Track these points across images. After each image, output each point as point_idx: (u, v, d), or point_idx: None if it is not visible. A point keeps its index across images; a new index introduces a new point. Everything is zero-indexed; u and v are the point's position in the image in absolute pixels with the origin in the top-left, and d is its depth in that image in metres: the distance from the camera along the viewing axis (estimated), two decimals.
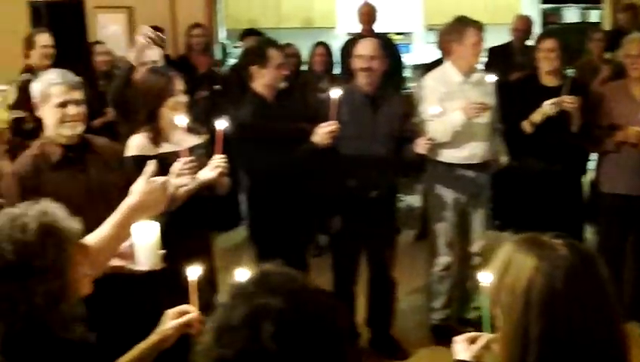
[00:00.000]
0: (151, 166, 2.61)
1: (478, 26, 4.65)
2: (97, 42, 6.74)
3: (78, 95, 3.35)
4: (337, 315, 1.49)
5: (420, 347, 4.93)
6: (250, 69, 4.45)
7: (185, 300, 3.67)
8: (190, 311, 2.32)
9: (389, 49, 5.63)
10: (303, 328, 1.41)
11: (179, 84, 3.81)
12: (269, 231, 4.53)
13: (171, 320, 2.31)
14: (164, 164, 3.71)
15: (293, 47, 6.97)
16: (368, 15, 7.19)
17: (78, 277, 1.92)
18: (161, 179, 2.60)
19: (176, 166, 3.44)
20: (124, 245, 2.68)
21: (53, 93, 3.30)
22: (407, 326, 5.12)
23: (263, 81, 4.42)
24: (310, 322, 1.43)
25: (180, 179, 3.43)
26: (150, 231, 2.64)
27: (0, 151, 2.53)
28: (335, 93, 4.10)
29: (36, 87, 3.37)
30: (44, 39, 5.69)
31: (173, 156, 3.75)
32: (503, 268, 1.77)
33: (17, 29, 6.19)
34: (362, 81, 4.52)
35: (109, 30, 7.86)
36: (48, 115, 3.33)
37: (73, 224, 1.93)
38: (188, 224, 3.70)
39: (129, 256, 2.71)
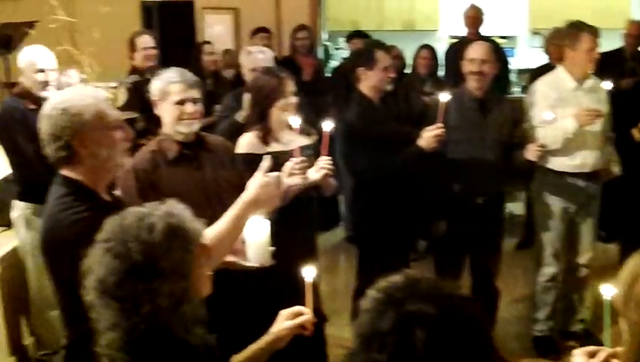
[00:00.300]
0: (266, 162, 2.65)
1: (593, 31, 4.52)
2: (206, 42, 6.88)
3: (195, 93, 3.41)
4: (485, 322, 1.48)
5: (521, 358, 4.84)
6: (356, 70, 4.45)
7: (294, 298, 3.74)
8: (305, 312, 2.32)
9: (496, 53, 5.53)
10: (454, 335, 1.41)
11: (290, 85, 3.85)
12: (371, 233, 4.52)
13: (286, 320, 2.32)
14: (273, 163, 3.77)
15: (397, 49, 6.94)
16: (475, 18, 7.10)
17: (200, 278, 1.94)
18: (275, 174, 2.63)
19: (288, 165, 3.47)
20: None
21: (172, 90, 3.37)
22: (508, 336, 5.03)
23: (369, 82, 4.40)
24: (461, 329, 1.42)
25: (292, 179, 3.46)
26: (261, 229, 2.68)
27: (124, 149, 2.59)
28: (443, 97, 4.07)
29: (155, 85, 3.44)
30: (145, 41, 5.83)
31: (283, 156, 3.79)
32: (631, 280, 1.72)
33: (131, 29, 6.35)
34: (472, 85, 4.46)
35: (214, 30, 8.02)
36: (166, 112, 3.40)
37: (198, 225, 1.94)
38: (295, 223, 3.73)
39: (240, 252, 2.75)
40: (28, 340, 4.85)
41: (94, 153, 2.47)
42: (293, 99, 3.83)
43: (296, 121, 3.53)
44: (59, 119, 2.44)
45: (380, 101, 4.44)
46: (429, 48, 7.04)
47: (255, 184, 2.59)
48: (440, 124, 4.09)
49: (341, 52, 10.07)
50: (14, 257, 4.62)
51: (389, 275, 3.99)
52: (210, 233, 2.39)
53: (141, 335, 1.77)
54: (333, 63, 9.50)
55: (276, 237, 2.83)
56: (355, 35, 7.41)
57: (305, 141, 3.92)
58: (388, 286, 1.53)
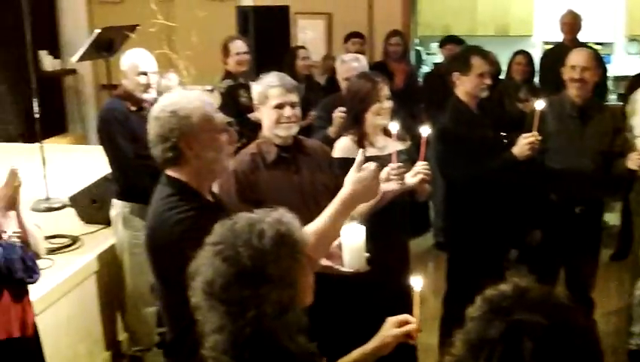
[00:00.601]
0: (360, 156, 2.64)
1: None
2: (300, 47, 6.94)
3: (293, 97, 3.46)
4: (595, 334, 1.45)
5: None
6: (452, 75, 4.41)
7: (389, 304, 3.73)
8: (411, 321, 2.31)
9: (597, 60, 5.38)
10: (563, 346, 1.39)
11: (384, 90, 3.84)
12: (462, 240, 4.47)
13: (392, 327, 2.31)
14: None
15: (492, 55, 6.84)
16: (572, 24, 6.92)
17: (305, 287, 1.95)
18: (372, 165, 2.61)
19: (386, 170, 3.46)
20: (332, 246, 2.74)
21: (271, 94, 3.43)
22: (603, 350, 4.88)
23: (464, 88, 4.34)
24: (571, 340, 1.40)
25: (388, 184, 3.45)
26: (357, 234, 2.68)
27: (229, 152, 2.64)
28: (539, 104, 3.98)
29: (255, 89, 3.52)
30: (238, 46, 5.92)
31: (378, 160, 3.78)
32: None
33: (227, 33, 6.46)
34: (573, 92, 4.36)
35: (307, 35, 8.09)
36: (266, 115, 3.46)
37: (305, 235, 1.95)
38: (389, 229, 3.74)
39: (337, 256, 2.76)
40: (122, 336, 4.98)
41: (200, 155, 2.52)
42: (388, 104, 3.83)
43: (394, 126, 3.51)
44: (167, 121, 2.49)
45: (476, 107, 4.38)
46: (525, 54, 6.92)
47: (351, 180, 2.58)
48: (535, 133, 4.01)
49: (433, 57, 10.01)
50: (112, 254, 4.74)
51: (480, 282, 3.93)
52: (308, 231, 2.42)
53: (246, 340, 1.78)
54: (425, 69, 9.45)
55: (371, 242, 2.82)
56: (448, 40, 7.34)
57: (400, 146, 3.91)
58: (496, 294, 1.52)
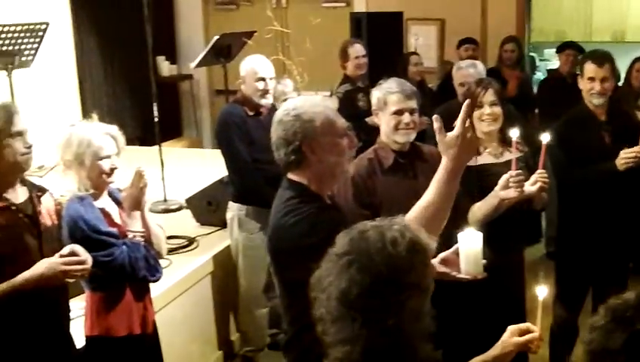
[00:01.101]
0: (437, 123, 2.50)
1: None
2: (413, 53, 6.92)
3: (412, 103, 3.47)
4: None
5: None
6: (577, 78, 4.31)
7: (505, 311, 3.69)
8: (532, 330, 2.27)
9: None
10: None
11: (487, 96, 3.77)
12: (577, 250, 4.34)
13: (513, 336, 2.28)
14: (483, 175, 3.73)
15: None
16: None
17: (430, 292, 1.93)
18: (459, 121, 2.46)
19: (505, 178, 3.41)
20: (449, 252, 2.71)
21: (391, 101, 3.45)
22: None
23: (582, 92, 4.23)
24: None
25: (507, 192, 3.40)
26: (475, 240, 2.64)
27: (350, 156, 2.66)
28: None
29: (375, 95, 3.54)
30: (357, 50, 5.94)
31: (493, 168, 3.74)
32: None
33: (340, 39, 6.50)
34: None
35: (418, 41, 8.06)
36: (384, 121, 3.48)
37: (430, 241, 1.93)
38: (506, 237, 3.67)
39: (454, 263, 2.73)
40: (234, 336, 5.07)
41: (322, 159, 2.54)
42: (490, 110, 3.74)
43: (515, 133, 3.45)
44: (291, 124, 2.53)
45: (606, 114, 4.20)
46: None
47: (444, 145, 2.48)
48: (637, 149, 3.85)
49: (546, 63, 9.80)
50: (226, 256, 4.84)
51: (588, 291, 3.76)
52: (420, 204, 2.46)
53: (381, 349, 1.77)
54: (539, 75, 9.26)
55: (487, 249, 2.78)
56: (566, 45, 7.15)
57: (516, 153, 3.84)
58: (619, 303, 1.49)
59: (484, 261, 2.75)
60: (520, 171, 3.42)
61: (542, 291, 2.25)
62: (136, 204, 3.26)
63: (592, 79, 4.15)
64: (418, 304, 1.79)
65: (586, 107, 4.23)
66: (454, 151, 2.43)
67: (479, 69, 4.91)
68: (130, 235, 3.23)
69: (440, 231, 2.56)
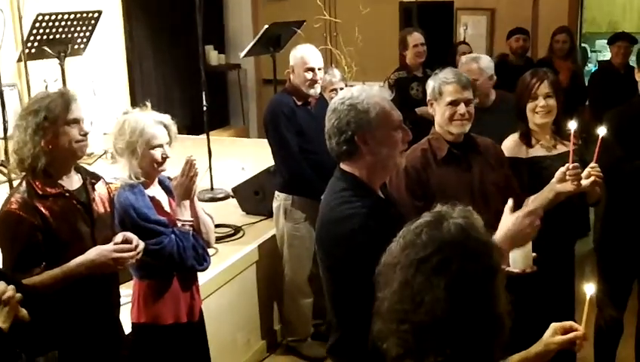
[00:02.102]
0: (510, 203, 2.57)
1: None
2: (463, 42, 6.83)
3: (468, 94, 3.41)
4: None
5: None
6: (636, 71, 4.16)
7: (553, 306, 3.63)
8: (576, 328, 2.21)
9: None
10: None
11: (541, 88, 3.69)
12: (619, 245, 4.24)
13: (557, 334, 2.22)
14: (535, 168, 3.66)
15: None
16: None
17: None
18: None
19: (562, 170, 3.34)
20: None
21: (446, 91, 3.39)
22: None
23: None
24: None
25: (564, 185, 3.33)
26: None
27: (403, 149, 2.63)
28: None
29: (430, 85, 3.49)
30: (416, 38, 5.90)
31: (545, 161, 3.68)
32: None
33: (390, 29, 6.46)
34: None
35: (468, 31, 7.97)
36: (439, 111, 3.42)
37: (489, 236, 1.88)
38: (558, 230, 3.62)
39: (504, 256, 2.69)
40: (278, 326, 5.07)
41: (375, 150, 2.50)
42: (544, 102, 3.67)
43: (573, 125, 3.36)
44: (345, 114, 2.49)
45: None
46: None
47: (507, 223, 2.53)
48: None
49: (598, 55, 9.63)
50: (272, 245, 4.84)
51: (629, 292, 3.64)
52: None
53: (482, 339, 1.72)
54: (590, 67, 9.09)
55: (538, 242, 2.73)
56: (619, 37, 7.00)
57: (571, 146, 3.77)
58: None
59: (534, 254, 2.72)
60: (577, 164, 3.35)
61: (590, 288, 2.19)
62: (187, 193, 3.26)
63: None
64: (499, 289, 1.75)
65: None
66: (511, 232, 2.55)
67: (483, 63, 4.71)
68: (180, 224, 3.23)
69: None
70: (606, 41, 7.48)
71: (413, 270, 1.70)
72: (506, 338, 1.78)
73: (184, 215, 3.26)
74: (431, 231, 1.74)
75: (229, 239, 4.72)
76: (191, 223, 3.28)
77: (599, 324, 4.29)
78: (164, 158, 3.23)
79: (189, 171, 3.23)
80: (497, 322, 1.73)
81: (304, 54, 4.65)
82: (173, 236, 3.18)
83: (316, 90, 4.61)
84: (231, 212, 5.20)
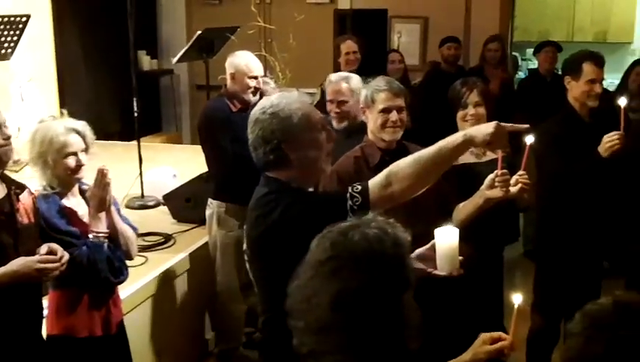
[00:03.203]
0: None
1: None
2: (394, 50, 6.89)
3: (400, 102, 3.44)
4: None
5: None
6: (564, 78, 4.24)
7: (479, 311, 3.67)
8: (504, 337, 2.23)
9: None
10: None
11: (470, 97, 3.76)
12: (553, 249, 4.32)
13: (485, 343, 2.24)
14: (465, 175, 3.69)
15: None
16: None
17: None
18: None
19: (491, 177, 3.38)
20: (425, 248, 2.68)
21: (378, 98, 3.42)
22: None
23: (572, 94, 4.16)
24: None
25: (493, 191, 3.37)
26: (451, 236, 2.61)
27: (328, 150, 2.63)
28: (622, 101, 3.78)
29: (363, 93, 3.52)
30: (348, 46, 5.93)
31: (476, 167, 3.72)
32: None
33: (324, 36, 6.48)
34: None
35: (402, 39, 8.04)
36: (372, 119, 3.45)
37: (406, 234, 1.90)
38: (485, 236, 3.67)
39: (430, 259, 2.71)
40: (210, 334, 5.02)
41: (302, 155, 2.50)
42: (474, 110, 3.74)
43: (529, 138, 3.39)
44: (269, 123, 2.49)
45: (588, 115, 4.17)
46: None
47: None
48: (620, 132, 3.81)
49: (529, 63, 9.82)
50: (204, 253, 4.78)
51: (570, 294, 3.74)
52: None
53: (373, 354, 1.72)
54: (521, 75, 9.26)
55: (466, 247, 2.75)
56: (545, 44, 7.15)
57: (499, 154, 3.82)
58: (596, 309, 1.48)
59: (461, 257, 2.73)
60: (506, 171, 3.39)
61: (517, 298, 2.20)
62: (101, 203, 3.16)
63: (592, 81, 4.08)
64: (408, 299, 1.76)
65: (572, 108, 4.18)
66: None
67: (353, 83, 4.44)
68: (92, 236, 3.14)
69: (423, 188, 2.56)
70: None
71: (313, 272, 1.74)
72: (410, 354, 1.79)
73: (98, 226, 3.16)
74: (336, 236, 1.76)
75: (159, 247, 4.64)
76: (106, 234, 3.18)
77: (530, 333, 4.36)
78: (79, 166, 3.15)
79: (102, 181, 3.14)
80: (392, 336, 1.74)
81: (249, 62, 4.62)
82: (84, 248, 3.09)
83: (257, 98, 4.58)
84: (162, 220, 5.13)
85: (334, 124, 4.27)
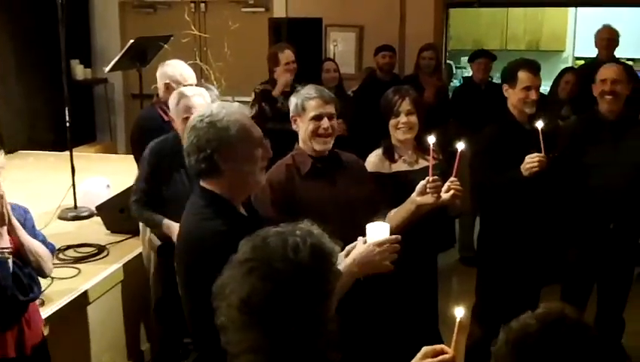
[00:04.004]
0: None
1: None
2: (328, 59, 6.91)
3: (331, 109, 3.43)
4: None
5: None
6: (503, 86, 4.33)
7: (410, 317, 3.70)
8: (446, 351, 2.24)
9: (629, 75, 5.26)
10: None
11: (403, 105, 3.78)
12: (494, 256, 4.38)
13: (427, 357, 2.24)
14: (398, 183, 3.73)
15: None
16: (609, 40, 6.78)
17: (335, 298, 1.90)
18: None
19: (422, 184, 3.41)
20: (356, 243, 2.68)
21: (309, 106, 3.41)
22: None
23: (510, 101, 4.26)
24: None
25: (425, 197, 3.40)
26: (382, 231, 2.61)
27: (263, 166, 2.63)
28: (539, 124, 3.86)
29: (293, 101, 3.48)
30: (287, 56, 5.92)
31: (408, 175, 3.75)
32: None
33: (260, 44, 6.47)
34: (604, 106, 4.32)
35: (337, 47, 8.07)
36: (302, 127, 3.44)
37: (336, 246, 1.91)
38: (419, 243, 3.69)
39: None
40: (145, 346, 4.95)
41: (235, 168, 2.50)
42: (406, 118, 3.77)
43: (431, 139, 3.44)
44: (205, 132, 2.48)
45: (527, 121, 4.22)
46: (574, 72, 6.76)
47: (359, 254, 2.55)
48: (541, 155, 3.89)
49: (463, 71, 9.95)
50: (138, 264, 4.71)
51: (511, 300, 3.77)
52: None
53: (286, 356, 1.74)
54: (455, 83, 9.38)
55: (402, 253, 2.75)
56: (479, 54, 7.26)
57: (431, 161, 3.86)
58: (519, 330, 1.50)
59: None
60: (437, 178, 3.43)
61: (459, 311, 2.22)
62: (1, 218, 2.98)
63: (528, 88, 4.17)
64: (323, 309, 1.77)
65: (512, 116, 4.26)
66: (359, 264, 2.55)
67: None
68: None
69: None
70: None
71: (232, 271, 1.80)
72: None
73: (0, 242, 2.98)
74: (258, 240, 1.81)
75: (92, 259, 4.56)
76: (10, 250, 3.00)
77: (472, 341, 4.39)
78: None
79: None
80: (304, 345, 1.75)
81: (183, 72, 4.58)
82: None
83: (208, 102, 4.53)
84: (95, 231, 5.03)
85: None
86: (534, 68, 4.25)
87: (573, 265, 4.50)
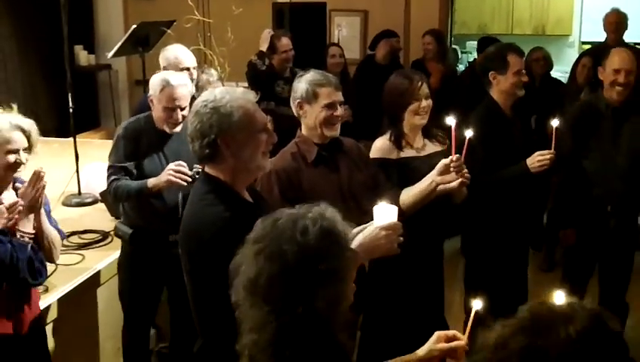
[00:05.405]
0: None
1: None
2: (333, 44, 6.87)
3: (341, 96, 3.39)
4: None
5: None
6: (489, 74, 4.21)
7: (417, 303, 3.68)
8: (459, 338, 2.23)
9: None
10: None
11: (423, 88, 3.72)
12: (484, 245, 4.35)
13: (440, 341, 2.24)
14: (404, 169, 3.69)
15: (543, 51, 6.84)
16: (618, 23, 6.71)
17: (351, 282, 1.89)
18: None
19: (444, 162, 3.39)
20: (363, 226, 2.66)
21: (322, 93, 3.33)
22: (637, 357, 4.74)
23: (500, 87, 4.16)
24: None
25: (444, 177, 3.39)
26: (390, 214, 2.57)
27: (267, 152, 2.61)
28: (555, 122, 3.81)
29: (302, 87, 3.38)
30: (284, 44, 5.91)
31: (415, 161, 3.71)
32: None
33: (263, 29, 6.43)
34: (613, 95, 4.27)
35: (342, 32, 8.03)
36: (313, 114, 3.35)
37: (348, 229, 1.90)
38: (426, 228, 3.70)
39: None
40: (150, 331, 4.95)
41: (237, 153, 2.49)
42: (426, 103, 3.71)
43: (451, 120, 3.35)
44: (208, 117, 2.46)
45: (510, 109, 4.21)
46: (591, 55, 6.67)
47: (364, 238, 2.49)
48: (552, 151, 3.87)
49: (469, 56, 9.91)
50: None
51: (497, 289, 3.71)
52: None
53: (289, 338, 1.73)
54: (461, 68, 9.34)
55: (409, 238, 2.72)
56: (485, 40, 7.20)
57: (437, 147, 3.83)
58: (507, 329, 1.44)
59: (401, 238, 2.71)
60: (458, 156, 3.38)
61: (477, 304, 2.21)
62: (32, 204, 3.07)
63: (519, 72, 4.12)
64: (334, 291, 1.77)
65: (495, 104, 4.20)
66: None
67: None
68: (19, 235, 3.05)
69: None
70: (476, 42, 7.69)
71: (245, 250, 1.82)
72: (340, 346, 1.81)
73: (26, 226, 3.07)
74: (270, 222, 1.83)
75: (96, 245, 4.54)
76: (31, 235, 3.10)
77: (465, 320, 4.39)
78: (18, 164, 3.08)
79: (36, 183, 3.06)
80: (311, 327, 1.76)
81: (177, 54, 4.56)
82: (8, 245, 2.99)
83: (192, 90, 4.51)
84: (99, 217, 5.02)
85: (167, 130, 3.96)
86: (520, 51, 4.22)
87: (573, 247, 4.48)
